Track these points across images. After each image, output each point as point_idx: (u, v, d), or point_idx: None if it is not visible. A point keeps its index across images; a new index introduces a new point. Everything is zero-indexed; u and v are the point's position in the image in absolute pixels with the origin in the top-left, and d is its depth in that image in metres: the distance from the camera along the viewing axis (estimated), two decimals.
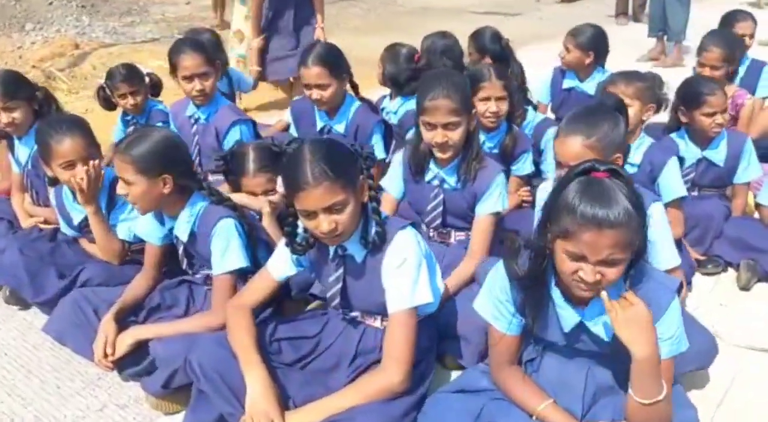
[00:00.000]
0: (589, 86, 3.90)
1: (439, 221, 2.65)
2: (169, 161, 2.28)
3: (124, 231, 2.69)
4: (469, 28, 4.01)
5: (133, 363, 2.28)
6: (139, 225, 2.53)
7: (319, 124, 3.34)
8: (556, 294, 1.86)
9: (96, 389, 2.33)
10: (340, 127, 3.28)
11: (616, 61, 4.08)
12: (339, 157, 1.90)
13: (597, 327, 1.85)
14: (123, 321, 2.35)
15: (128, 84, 3.62)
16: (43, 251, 2.76)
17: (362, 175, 1.96)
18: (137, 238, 2.63)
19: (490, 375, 2.06)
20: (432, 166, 2.65)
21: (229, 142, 3.22)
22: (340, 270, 2.09)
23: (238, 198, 2.57)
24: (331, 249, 2.08)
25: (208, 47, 3.41)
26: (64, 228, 2.87)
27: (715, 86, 3.06)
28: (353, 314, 2.17)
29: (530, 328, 1.95)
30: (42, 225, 3.01)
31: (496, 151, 3.12)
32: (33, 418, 2.21)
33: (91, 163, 2.55)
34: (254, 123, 3.39)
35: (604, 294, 1.70)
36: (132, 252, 2.71)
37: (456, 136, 2.50)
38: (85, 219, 2.70)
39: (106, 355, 2.24)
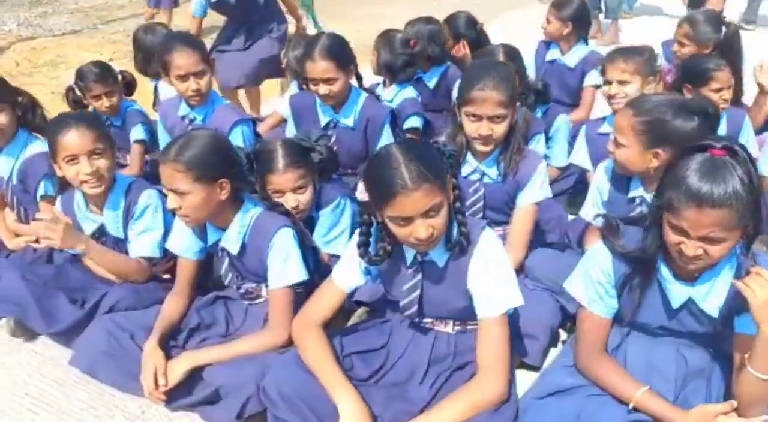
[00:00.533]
0: (571, 59, 3.97)
1: (480, 216, 2.57)
2: (225, 163, 2.11)
3: (147, 246, 2.47)
4: (410, 12, 3.99)
5: (186, 392, 2.09)
6: (174, 239, 2.33)
7: (324, 119, 3.17)
8: (664, 270, 1.84)
9: None
10: (348, 121, 3.13)
11: None
12: (432, 157, 1.79)
13: (706, 304, 1.84)
14: (163, 346, 2.15)
15: (102, 84, 3.34)
16: (45, 275, 2.48)
17: (448, 174, 1.86)
18: (161, 251, 2.42)
19: (573, 371, 2.03)
20: (470, 158, 2.56)
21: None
22: (418, 277, 1.97)
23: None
24: (410, 256, 1.96)
25: (202, 43, 3.16)
26: None
27: (721, 62, 3.10)
28: (426, 321, 2.06)
29: (627, 310, 1.93)
30: (34, 245, 2.70)
31: None
32: None
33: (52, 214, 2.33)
34: (254, 121, 3.18)
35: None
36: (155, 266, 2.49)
37: (501, 129, 2.42)
38: (99, 230, 2.47)
39: (157, 386, 2.04)
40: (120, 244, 2.51)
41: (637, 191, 2.45)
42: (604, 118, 3.04)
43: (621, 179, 2.51)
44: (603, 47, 4.82)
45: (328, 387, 1.84)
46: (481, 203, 2.55)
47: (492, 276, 1.88)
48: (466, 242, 1.88)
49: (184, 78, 2.97)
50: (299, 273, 2.15)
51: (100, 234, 2.49)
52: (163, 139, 3.23)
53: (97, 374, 2.19)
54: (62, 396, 2.22)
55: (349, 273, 2.03)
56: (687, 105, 2.31)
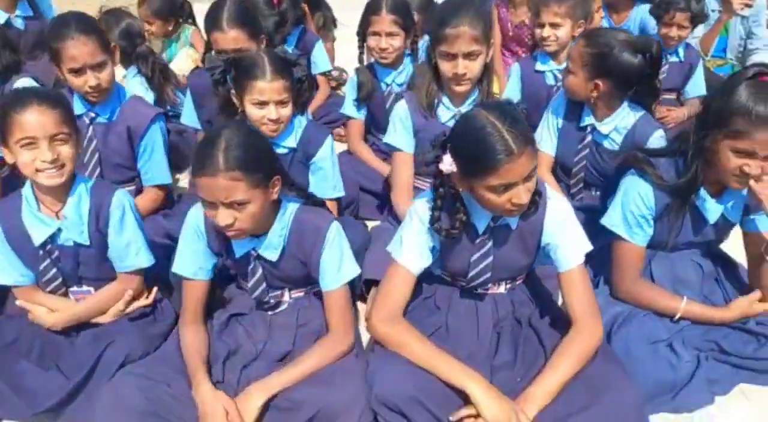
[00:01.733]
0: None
1: None
2: (271, 155, 1.85)
3: (143, 256, 2.12)
4: None
5: None
6: (183, 262, 1.97)
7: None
8: (702, 192, 2.03)
9: None
10: None
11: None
12: (521, 118, 1.73)
13: (732, 214, 2.10)
14: None
15: None
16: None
17: None
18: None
19: (616, 301, 2.18)
20: (447, 103, 2.50)
21: (146, 145, 2.60)
22: (489, 244, 1.92)
23: None
24: (482, 225, 1.90)
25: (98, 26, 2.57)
26: (6, 277, 2.07)
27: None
28: (483, 287, 2.03)
29: (666, 235, 2.11)
30: None
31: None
32: None
33: None
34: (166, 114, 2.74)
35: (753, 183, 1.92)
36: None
37: (477, 66, 2.39)
38: (51, 237, 2.01)
39: None
40: (82, 251, 2.05)
41: (588, 119, 2.61)
42: (535, 57, 3.14)
43: (574, 109, 2.65)
44: None
45: (448, 375, 1.76)
46: None
47: (569, 228, 1.91)
48: (540, 199, 1.86)
49: (78, 72, 2.42)
50: (354, 267, 1.97)
51: (51, 241, 2.01)
52: None
53: None
54: None
55: (417, 255, 1.91)
56: (634, 43, 2.47)
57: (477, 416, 1.73)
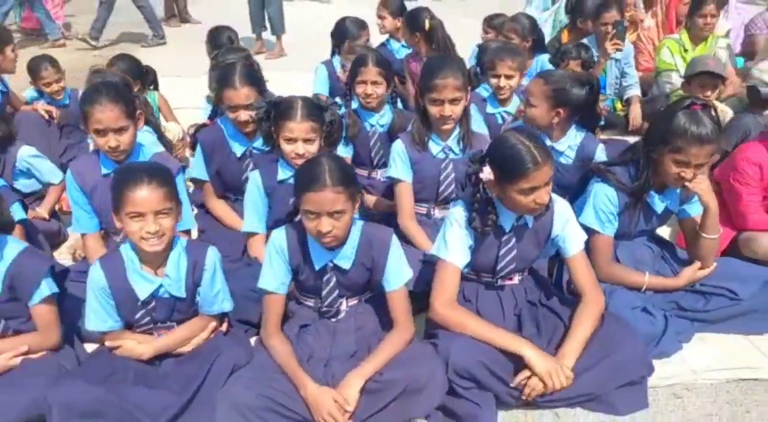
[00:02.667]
0: None
1: (452, 189, 3.06)
2: (356, 179, 2.28)
3: (228, 302, 2.46)
4: None
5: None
6: (268, 277, 2.34)
7: (239, 150, 3.21)
8: (652, 191, 2.68)
9: None
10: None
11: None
12: (542, 140, 2.30)
13: (672, 205, 2.77)
14: None
15: None
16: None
17: None
18: None
19: None
20: (435, 140, 3.03)
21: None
22: (514, 240, 2.45)
23: None
24: (508, 224, 2.42)
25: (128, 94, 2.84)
26: (102, 324, 2.33)
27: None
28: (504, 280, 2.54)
29: (628, 226, 2.73)
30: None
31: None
32: None
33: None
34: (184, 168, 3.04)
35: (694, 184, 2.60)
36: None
37: (459, 109, 2.96)
38: (156, 292, 2.31)
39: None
40: (178, 303, 2.35)
41: (546, 142, 3.24)
42: (485, 99, 3.77)
43: None
44: (273, 61, 5.46)
45: (505, 343, 2.27)
46: (453, 176, 3.04)
47: (571, 222, 2.47)
48: (549, 202, 2.41)
49: (102, 133, 2.71)
50: (409, 270, 2.41)
51: (154, 295, 2.30)
52: (78, 204, 2.85)
53: None
54: None
55: (461, 252, 2.39)
56: (580, 79, 3.15)
57: (530, 377, 2.22)
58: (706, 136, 2.48)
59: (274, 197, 2.85)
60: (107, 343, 2.34)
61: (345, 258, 2.34)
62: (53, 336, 2.37)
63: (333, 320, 2.46)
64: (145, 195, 2.17)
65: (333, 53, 4.57)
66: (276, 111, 2.76)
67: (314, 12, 9.92)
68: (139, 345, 2.34)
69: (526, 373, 2.23)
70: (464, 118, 3.04)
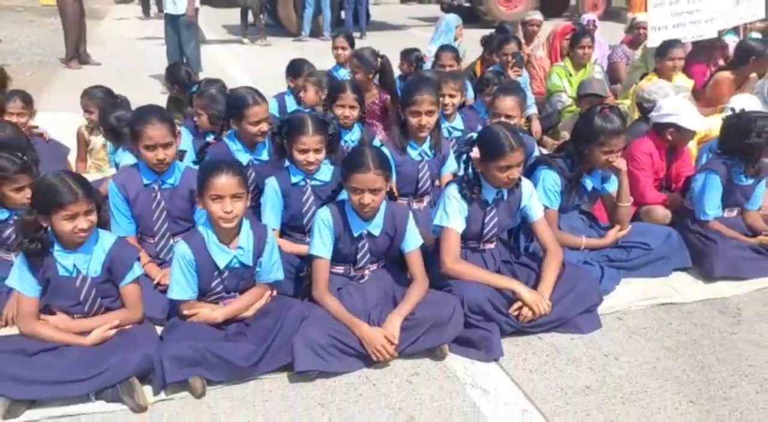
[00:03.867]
0: None
1: (428, 185, 3.82)
2: (390, 165, 3.01)
3: (281, 272, 3.04)
4: None
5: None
6: (319, 246, 2.97)
7: (244, 160, 3.76)
8: (585, 177, 3.56)
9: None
10: (264, 157, 3.83)
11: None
12: (519, 133, 3.11)
13: (594, 183, 3.65)
14: None
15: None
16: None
17: None
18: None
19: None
20: (413, 145, 3.78)
21: None
22: (495, 210, 3.23)
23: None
24: (490, 196, 3.19)
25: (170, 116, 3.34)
26: (183, 294, 2.84)
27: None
28: (486, 244, 3.32)
29: (567, 203, 3.59)
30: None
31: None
32: None
33: None
34: None
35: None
36: None
37: (433, 120, 3.74)
38: (230, 262, 2.86)
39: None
40: (248, 270, 2.91)
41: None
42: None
43: None
44: None
45: (501, 284, 3.07)
46: (428, 174, 3.81)
47: (534, 195, 3.29)
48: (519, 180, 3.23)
49: (151, 148, 3.23)
50: (420, 237, 3.11)
51: (228, 266, 2.86)
52: (120, 211, 3.32)
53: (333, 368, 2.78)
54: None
55: (459, 219, 3.12)
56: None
57: (521, 307, 2.99)
58: (619, 128, 3.41)
59: (289, 196, 3.45)
60: (185, 311, 2.84)
61: (376, 227, 3.01)
62: (139, 312, 2.85)
63: (360, 282, 3.11)
64: (224, 181, 2.74)
65: (289, 86, 5.22)
66: (289, 126, 3.38)
67: (230, 51, 10.45)
68: (213, 311, 2.87)
69: (519, 304, 3.00)
70: (436, 127, 3.82)
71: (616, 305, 3.36)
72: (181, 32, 8.43)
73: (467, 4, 14.68)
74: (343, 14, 13.95)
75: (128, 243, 2.94)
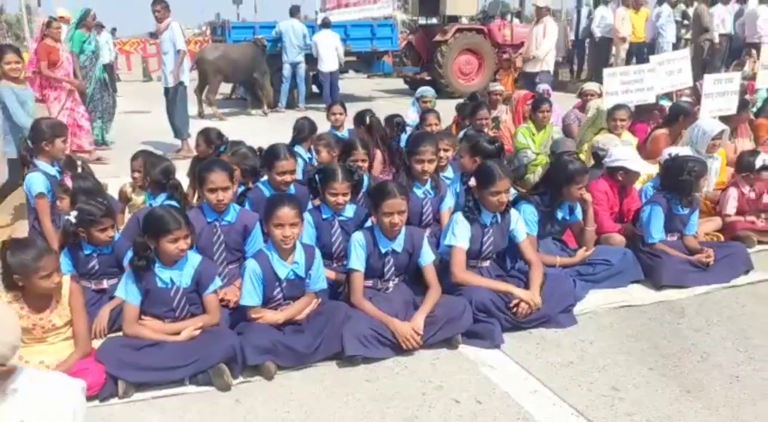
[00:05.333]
0: None
1: (430, 218, 4.68)
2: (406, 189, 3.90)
3: (324, 283, 3.81)
4: None
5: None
6: (354, 261, 3.76)
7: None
8: (557, 209, 4.48)
9: None
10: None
11: None
12: (507, 167, 4.02)
13: (564, 214, 4.56)
14: None
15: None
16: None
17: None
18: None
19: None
20: (418, 186, 4.65)
21: (255, 234, 4.15)
22: (491, 231, 4.09)
23: None
24: (488, 219, 4.05)
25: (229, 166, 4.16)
26: (251, 301, 3.56)
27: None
28: (482, 263, 4.16)
29: (543, 229, 4.49)
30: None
31: None
32: None
33: None
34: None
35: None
36: None
37: (433, 166, 4.63)
38: (289, 273, 3.61)
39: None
40: (301, 281, 3.66)
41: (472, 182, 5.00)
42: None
43: (462, 177, 5.03)
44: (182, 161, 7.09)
45: (500, 287, 3.90)
46: (430, 210, 4.68)
47: (520, 221, 4.17)
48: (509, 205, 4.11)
49: (213, 191, 4.03)
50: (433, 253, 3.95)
51: (287, 277, 3.61)
52: None
53: (374, 354, 3.52)
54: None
55: (465, 238, 3.96)
56: (488, 140, 5.02)
57: (518, 304, 3.83)
58: (586, 169, 4.37)
59: (321, 230, 4.24)
60: (253, 315, 3.57)
61: (399, 245, 3.82)
62: (217, 317, 3.57)
63: (386, 292, 3.89)
64: (285, 212, 3.52)
65: (294, 143, 6.09)
66: (323, 175, 4.19)
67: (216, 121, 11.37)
68: (275, 314, 3.61)
69: (516, 301, 3.84)
70: (435, 172, 4.71)
71: (586, 308, 4.21)
72: (170, 101, 9.34)
73: (428, 78, 15.98)
74: (314, 88, 15.12)
75: (210, 262, 3.70)
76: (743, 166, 5.50)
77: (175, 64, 9.11)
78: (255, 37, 13.74)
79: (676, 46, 14.57)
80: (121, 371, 3.23)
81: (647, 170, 5.43)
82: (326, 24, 13.90)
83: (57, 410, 1.66)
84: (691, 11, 15.14)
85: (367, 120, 6.04)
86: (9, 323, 1.64)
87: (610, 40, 15.78)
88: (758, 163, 5.41)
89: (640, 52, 15.34)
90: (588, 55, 17.11)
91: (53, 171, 4.95)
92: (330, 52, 13.60)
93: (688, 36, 15.36)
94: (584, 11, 17.10)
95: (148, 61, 23.16)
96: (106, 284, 4.01)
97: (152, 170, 4.85)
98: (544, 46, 11.02)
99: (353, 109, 7.26)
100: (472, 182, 3.98)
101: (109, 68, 18.29)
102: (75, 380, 1.87)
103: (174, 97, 9.25)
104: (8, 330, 1.63)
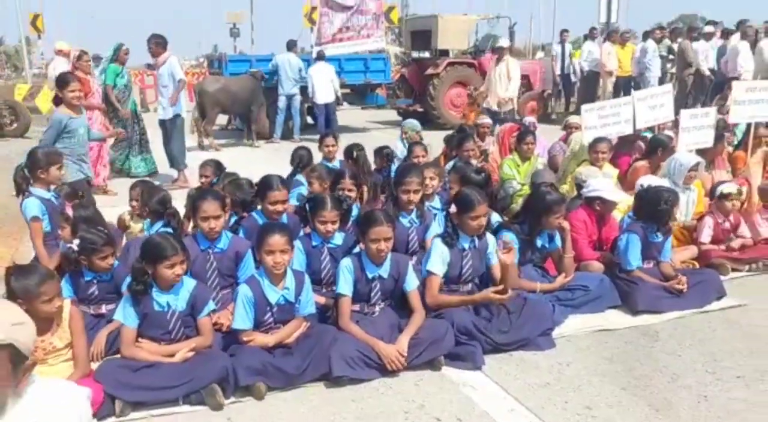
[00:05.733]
0: None
1: (416, 246, 4.89)
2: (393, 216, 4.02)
3: (312, 307, 3.99)
4: None
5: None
6: (342, 286, 3.96)
7: None
8: (537, 237, 4.70)
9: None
10: None
11: None
12: (485, 194, 4.25)
13: (543, 242, 4.78)
14: None
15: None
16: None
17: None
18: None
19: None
20: (403, 215, 4.86)
21: (247, 261, 4.36)
22: (469, 255, 4.29)
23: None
24: (466, 243, 4.26)
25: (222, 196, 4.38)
26: (243, 325, 3.73)
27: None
28: (462, 287, 4.36)
29: (524, 255, 4.70)
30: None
31: None
32: None
33: None
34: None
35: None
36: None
37: (418, 196, 4.86)
38: (279, 299, 3.79)
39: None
40: (291, 306, 3.83)
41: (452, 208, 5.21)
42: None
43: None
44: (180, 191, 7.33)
45: (478, 299, 4.12)
46: (416, 238, 4.88)
47: (493, 245, 4.38)
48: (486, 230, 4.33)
49: (205, 219, 4.23)
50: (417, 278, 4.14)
51: (278, 302, 3.78)
52: None
53: (360, 375, 3.69)
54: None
55: (440, 265, 4.17)
56: (475, 170, 5.26)
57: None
58: (563, 199, 4.61)
59: (311, 256, 4.44)
60: (245, 338, 3.75)
61: (385, 271, 4.02)
62: (210, 339, 3.75)
63: (372, 316, 4.08)
64: (276, 239, 3.73)
65: (295, 173, 6.32)
66: (313, 203, 4.42)
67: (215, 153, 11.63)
68: (266, 338, 3.78)
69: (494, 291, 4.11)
70: (420, 202, 4.94)
71: (565, 331, 4.40)
72: (168, 132, 9.57)
73: (421, 110, 16.34)
74: (309, 119, 15.44)
75: (205, 286, 3.88)
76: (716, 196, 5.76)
77: (175, 91, 9.37)
78: (252, 70, 14.11)
79: (662, 80, 14.97)
80: (119, 391, 3.39)
81: (627, 200, 5.66)
82: (321, 57, 14.26)
83: (64, 415, 1.84)
84: (675, 46, 15.56)
85: (354, 154, 6.39)
86: (28, 319, 1.82)
87: (597, 73, 16.20)
88: (725, 190, 5.68)
89: (627, 86, 15.73)
90: (577, 88, 17.52)
91: (48, 195, 5.14)
92: (325, 84, 13.94)
93: (674, 70, 15.76)
94: (567, 47, 17.58)
95: (145, 92, 23.50)
96: (104, 309, 4.18)
97: (150, 199, 5.06)
98: (512, 87, 11.14)
99: (348, 140, 7.55)
100: (453, 209, 4.20)
101: None
102: (80, 387, 2.03)
103: (172, 128, 9.49)
104: (30, 324, 1.81)
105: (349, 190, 5.23)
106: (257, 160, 7.75)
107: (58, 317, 3.41)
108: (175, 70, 9.39)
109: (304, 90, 14.19)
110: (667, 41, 15.95)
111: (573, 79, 17.42)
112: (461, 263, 4.26)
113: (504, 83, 11.06)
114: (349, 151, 6.65)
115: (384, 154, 7.19)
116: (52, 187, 5.24)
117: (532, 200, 4.80)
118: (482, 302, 4.11)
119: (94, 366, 3.62)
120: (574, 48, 18.42)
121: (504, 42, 11.36)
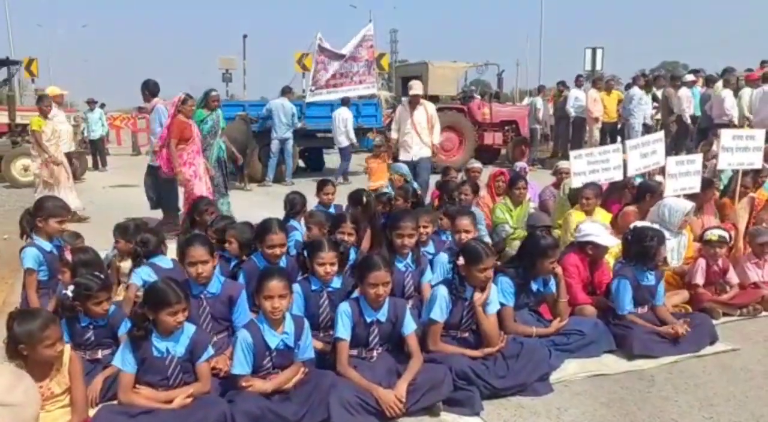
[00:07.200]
0: None
1: (412, 290, 4.92)
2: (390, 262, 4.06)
3: (311, 352, 3.97)
4: None
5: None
6: (340, 329, 3.97)
7: None
8: (532, 282, 4.75)
9: None
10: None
11: None
12: (492, 248, 4.31)
13: (538, 286, 4.83)
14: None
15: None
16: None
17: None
18: None
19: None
20: (399, 259, 4.90)
21: (240, 304, 4.39)
22: (472, 304, 4.33)
23: None
24: (470, 292, 4.30)
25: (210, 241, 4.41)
26: (242, 370, 3.71)
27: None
28: (460, 332, 4.39)
29: (519, 301, 4.75)
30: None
31: None
32: None
33: None
34: None
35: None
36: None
37: (414, 241, 4.91)
38: (278, 344, 3.78)
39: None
40: (290, 350, 3.83)
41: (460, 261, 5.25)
42: None
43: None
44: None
45: (475, 353, 4.09)
46: (411, 283, 4.92)
47: (495, 293, 4.42)
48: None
49: (193, 264, 4.25)
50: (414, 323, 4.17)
51: (277, 347, 3.78)
52: None
53: (356, 421, 3.67)
54: None
55: (444, 311, 4.20)
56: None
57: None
58: (557, 243, 4.67)
59: (310, 300, 4.46)
60: (243, 383, 3.74)
61: (383, 315, 4.04)
62: (209, 385, 3.74)
63: (370, 361, 4.09)
64: (274, 284, 3.75)
65: (289, 217, 6.37)
66: (310, 248, 4.47)
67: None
68: (264, 383, 3.78)
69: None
70: (416, 246, 4.99)
71: (562, 376, 4.42)
72: (157, 178, 9.39)
73: None
74: (301, 162, 15.60)
75: (204, 331, 3.88)
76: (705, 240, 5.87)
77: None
78: (239, 114, 14.27)
79: (647, 126, 15.28)
80: None
81: (618, 244, 5.74)
82: (346, 102, 15.03)
83: None
84: (659, 93, 15.92)
85: (364, 199, 6.42)
86: (36, 396, 1.83)
87: (584, 119, 16.52)
88: (707, 236, 5.81)
89: (613, 132, 16.05)
90: (565, 134, 17.83)
91: (49, 247, 5.15)
92: (343, 128, 14.71)
93: (659, 117, 16.10)
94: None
95: (137, 135, 23.65)
96: (100, 354, 4.16)
97: (133, 237, 5.07)
98: (436, 133, 10.57)
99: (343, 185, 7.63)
100: (461, 261, 4.25)
101: (100, 143, 18.83)
102: None
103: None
104: (36, 402, 1.81)
105: (349, 234, 5.29)
106: (252, 205, 7.75)
107: (58, 362, 3.39)
108: (162, 116, 9.44)
109: (296, 134, 14.41)
110: (653, 89, 16.33)
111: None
112: (462, 313, 4.30)
113: (420, 129, 10.30)
114: (357, 197, 6.66)
115: (385, 198, 7.28)
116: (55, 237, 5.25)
117: (527, 244, 4.87)
118: (481, 354, 4.18)
119: (91, 412, 3.59)
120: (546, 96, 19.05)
121: (418, 89, 10.46)
